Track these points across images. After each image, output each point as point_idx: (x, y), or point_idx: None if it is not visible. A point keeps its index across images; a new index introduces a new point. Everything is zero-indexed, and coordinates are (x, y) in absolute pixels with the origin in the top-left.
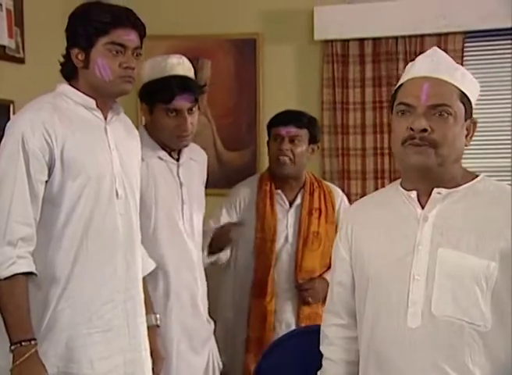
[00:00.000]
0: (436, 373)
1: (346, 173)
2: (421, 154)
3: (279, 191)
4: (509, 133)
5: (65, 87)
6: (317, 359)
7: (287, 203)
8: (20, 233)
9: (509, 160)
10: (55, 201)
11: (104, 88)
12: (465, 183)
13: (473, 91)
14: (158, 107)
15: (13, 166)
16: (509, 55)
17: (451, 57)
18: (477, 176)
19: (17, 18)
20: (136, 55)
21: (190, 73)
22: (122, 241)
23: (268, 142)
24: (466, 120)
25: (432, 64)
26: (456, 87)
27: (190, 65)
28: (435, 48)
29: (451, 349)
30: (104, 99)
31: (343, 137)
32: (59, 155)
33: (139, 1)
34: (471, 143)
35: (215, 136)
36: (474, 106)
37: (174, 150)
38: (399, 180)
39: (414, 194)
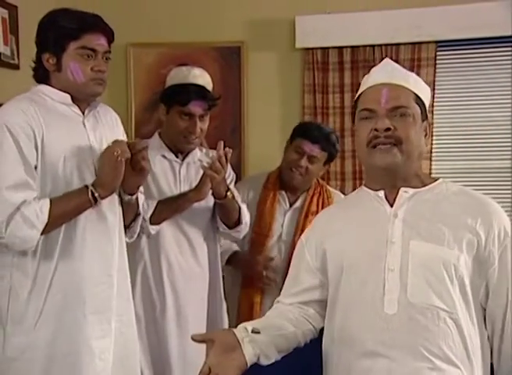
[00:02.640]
0: (414, 356)
1: (326, 174)
2: (387, 153)
3: (283, 192)
4: (509, 135)
5: (40, 86)
6: (299, 352)
7: (288, 204)
8: (19, 198)
9: (508, 162)
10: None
11: (77, 90)
12: (428, 184)
13: (426, 94)
14: (175, 108)
15: (2, 148)
16: (478, 63)
17: (424, 65)
18: (437, 179)
19: (12, 26)
20: (106, 59)
21: (208, 86)
22: (107, 224)
23: (287, 142)
24: (423, 121)
25: (387, 72)
26: (411, 91)
27: (209, 79)
28: (387, 59)
29: (427, 334)
30: (83, 98)
31: None
32: (40, 143)
33: (128, 10)
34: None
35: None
36: (428, 109)
37: (182, 152)
38: (362, 186)
39: (381, 193)
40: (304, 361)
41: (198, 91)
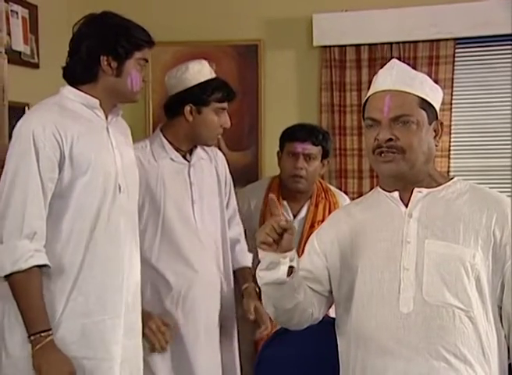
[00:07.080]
0: (429, 355)
1: (344, 172)
2: (390, 162)
3: (285, 203)
4: (509, 134)
5: (69, 89)
6: (318, 349)
7: (291, 215)
8: (36, 227)
9: (509, 160)
10: (63, 197)
11: (126, 97)
12: (443, 183)
13: (434, 95)
14: (212, 106)
15: (26, 163)
16: (497, 60)
17: (443, 62)
18: (452, 178)
19: (32, 26)
20: None
21: None
22: (125, 232)
23: (278, 153)
24: (431, 123)
25: (391, 77)
26: (416, 96)
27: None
28: (394, 60)
29: (443, 332)
30: (114, 103)
31: (340, 138)
32: (68, 153)
33: (146, 9)
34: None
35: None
36: (438, 109)
37: (189, 151)
38: (377, 187)
39: (396, 194)
40: (321, 361)
41: (229, 87)
